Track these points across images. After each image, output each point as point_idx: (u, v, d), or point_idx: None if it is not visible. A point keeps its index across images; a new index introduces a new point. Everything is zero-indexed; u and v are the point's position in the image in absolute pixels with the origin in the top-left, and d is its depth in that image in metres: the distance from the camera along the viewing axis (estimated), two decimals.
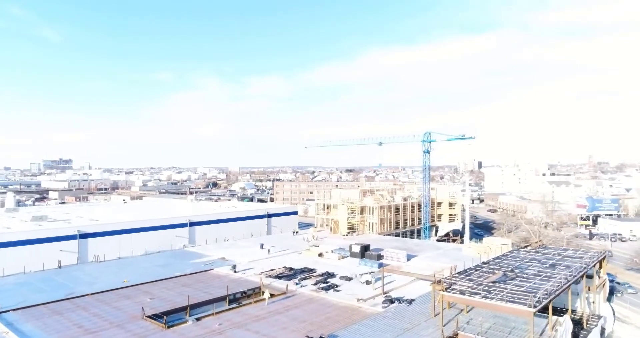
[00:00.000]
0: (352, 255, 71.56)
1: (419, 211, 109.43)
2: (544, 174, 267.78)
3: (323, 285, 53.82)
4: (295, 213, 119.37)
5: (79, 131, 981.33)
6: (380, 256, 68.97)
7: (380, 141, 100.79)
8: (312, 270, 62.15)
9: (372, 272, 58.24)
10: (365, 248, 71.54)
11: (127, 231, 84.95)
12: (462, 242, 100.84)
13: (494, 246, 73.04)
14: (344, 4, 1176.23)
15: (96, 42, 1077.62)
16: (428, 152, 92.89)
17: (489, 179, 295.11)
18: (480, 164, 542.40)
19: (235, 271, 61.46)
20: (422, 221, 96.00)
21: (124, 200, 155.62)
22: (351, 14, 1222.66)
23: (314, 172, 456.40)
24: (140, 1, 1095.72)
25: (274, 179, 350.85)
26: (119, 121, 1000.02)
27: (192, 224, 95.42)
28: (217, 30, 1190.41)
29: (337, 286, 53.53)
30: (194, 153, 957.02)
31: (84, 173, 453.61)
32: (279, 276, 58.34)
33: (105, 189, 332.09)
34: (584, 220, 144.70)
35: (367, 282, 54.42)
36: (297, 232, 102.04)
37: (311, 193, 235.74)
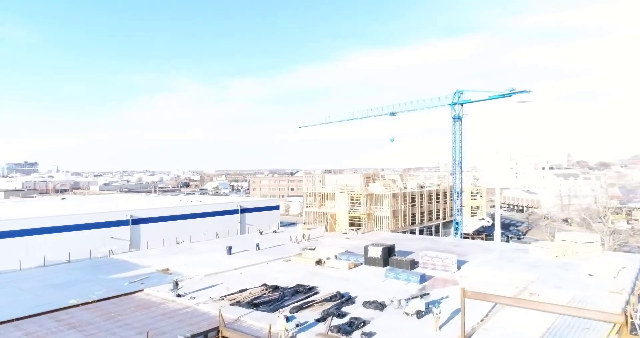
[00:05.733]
0: (369, 261, 46.38)
1: (437, 202, 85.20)
2: (543, 168, 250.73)
3: (339, 321, 28.47)
4: (277, 207, 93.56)
5: (48, 135, 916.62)
6: (414, 263, 44.14)
7: (393, 111, 75.16)
8: (311, 290, 36.65)
9: (424, 295, 32.95)
10: (389, 251, 46.47)
11: (33, 232, 58.27)
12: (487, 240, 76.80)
13: (577, 245, 49.09)
14: (324, 7, 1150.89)
15: (69, 40, 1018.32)
16: (459, 118, 67.38)
17: (482, 175, 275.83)
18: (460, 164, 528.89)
19: (178, 295, 35.42)
20: (454, 213, 71.06)
21: (63, 197, 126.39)
22: (330, 17, 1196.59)
23: (292, 173, 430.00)
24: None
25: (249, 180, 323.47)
26: (92, 124, 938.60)
27: (136, 221, 68.90)
28: (197, 32, 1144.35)
29: (364, 323, 28.25)
30: (170, 157, 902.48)
31: (49, 176, 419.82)
32: (253, 304, 32.66)
33: (64, 190, 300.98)
34: (617, 213, 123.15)
35: (419, 314, 29.40)
36: (276, 231, 76.84)
37: (292, 189, 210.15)
